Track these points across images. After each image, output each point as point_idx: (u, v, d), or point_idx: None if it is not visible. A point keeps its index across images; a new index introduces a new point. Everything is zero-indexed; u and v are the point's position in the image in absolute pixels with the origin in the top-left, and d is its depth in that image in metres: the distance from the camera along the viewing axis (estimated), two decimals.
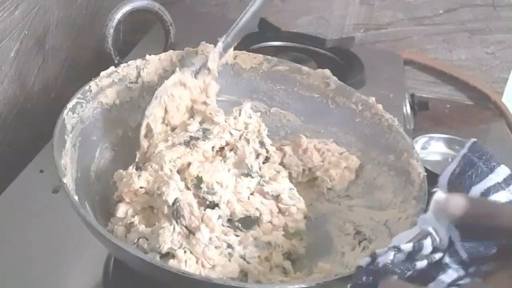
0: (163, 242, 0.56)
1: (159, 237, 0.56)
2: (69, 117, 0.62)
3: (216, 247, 0.57)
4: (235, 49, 0.72)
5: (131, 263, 0.53)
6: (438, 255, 0.46)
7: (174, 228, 0.57)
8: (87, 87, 0.66)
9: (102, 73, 0.68)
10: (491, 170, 0.53)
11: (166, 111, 0.68)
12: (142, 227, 0.59)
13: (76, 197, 0.54)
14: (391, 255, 0.45)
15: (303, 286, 0.50)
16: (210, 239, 0.57)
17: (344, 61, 1.07)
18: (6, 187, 0.72)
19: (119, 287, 0.64)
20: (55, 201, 0.71)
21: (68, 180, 0.55)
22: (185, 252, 0.56)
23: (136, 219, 0.60)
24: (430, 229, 0.46)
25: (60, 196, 0.70)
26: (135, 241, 0.58)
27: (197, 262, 0.56)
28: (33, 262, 0.63)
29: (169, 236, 0.57)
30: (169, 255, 0.56)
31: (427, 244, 0.46)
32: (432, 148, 0.99)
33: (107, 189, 0.64)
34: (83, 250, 0.65)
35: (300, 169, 0.70)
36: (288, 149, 0.71)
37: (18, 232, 0.67)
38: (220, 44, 0.70)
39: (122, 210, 0.61)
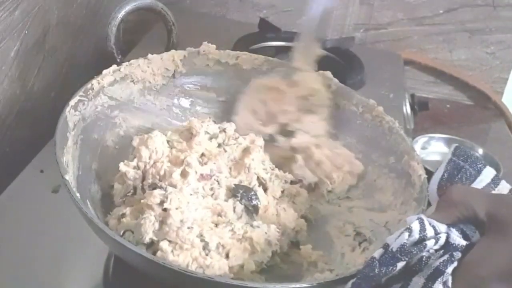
0: (144, 233, 0.56)
1: (141, 228, 0.56)
2: (71, 114, 0.62)
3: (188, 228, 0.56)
4: (235, 49, 0.72)
5: (132, 260, 0.53)
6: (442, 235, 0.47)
7: (155, 218, 0.57)
8: (89, 85, 0.66)
9: (105, 71, 0.68)
10: (479, 172, 0.55)
11: None
12: (127, 220, 0.59)
13: (78, 194, 0.54)
14: (405, 235, 0.46)
15: (304, 286, 0.50)
16: (181, 220, 0.56)
17: (344, 61, 1.07)
18: (6, 187, 0.72)
19: (119, 287, 0.64)
20: (55, 201, 0.70)
21: (70, 178, 0.55)
22: (170, 242, 0.56)
23: (127, 211, 0.60)
24: (421, 216, 0.48)
25: (60, 196, 0.70)
26: (121, 233, 0.58)
27: (182, 250, 0.55)
28: (33, 262, 0.63)
29: (151, 226, 0.56)
30: (153, 246, 0.56)
31: (428, 226, 0.47)
32: (432, 148, 0.99)
33: (108, 188, 0.64)
34: (83, 250, 0.65)
35: (313, 180, 0.69)
36: (299, 158, 0.70)
37: (18, 232, 0.67)
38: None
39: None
